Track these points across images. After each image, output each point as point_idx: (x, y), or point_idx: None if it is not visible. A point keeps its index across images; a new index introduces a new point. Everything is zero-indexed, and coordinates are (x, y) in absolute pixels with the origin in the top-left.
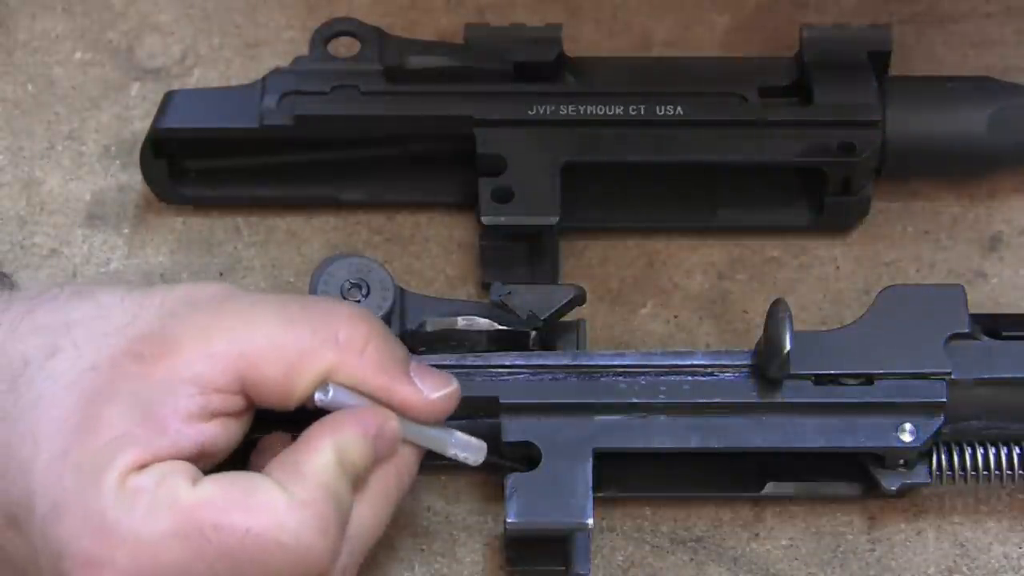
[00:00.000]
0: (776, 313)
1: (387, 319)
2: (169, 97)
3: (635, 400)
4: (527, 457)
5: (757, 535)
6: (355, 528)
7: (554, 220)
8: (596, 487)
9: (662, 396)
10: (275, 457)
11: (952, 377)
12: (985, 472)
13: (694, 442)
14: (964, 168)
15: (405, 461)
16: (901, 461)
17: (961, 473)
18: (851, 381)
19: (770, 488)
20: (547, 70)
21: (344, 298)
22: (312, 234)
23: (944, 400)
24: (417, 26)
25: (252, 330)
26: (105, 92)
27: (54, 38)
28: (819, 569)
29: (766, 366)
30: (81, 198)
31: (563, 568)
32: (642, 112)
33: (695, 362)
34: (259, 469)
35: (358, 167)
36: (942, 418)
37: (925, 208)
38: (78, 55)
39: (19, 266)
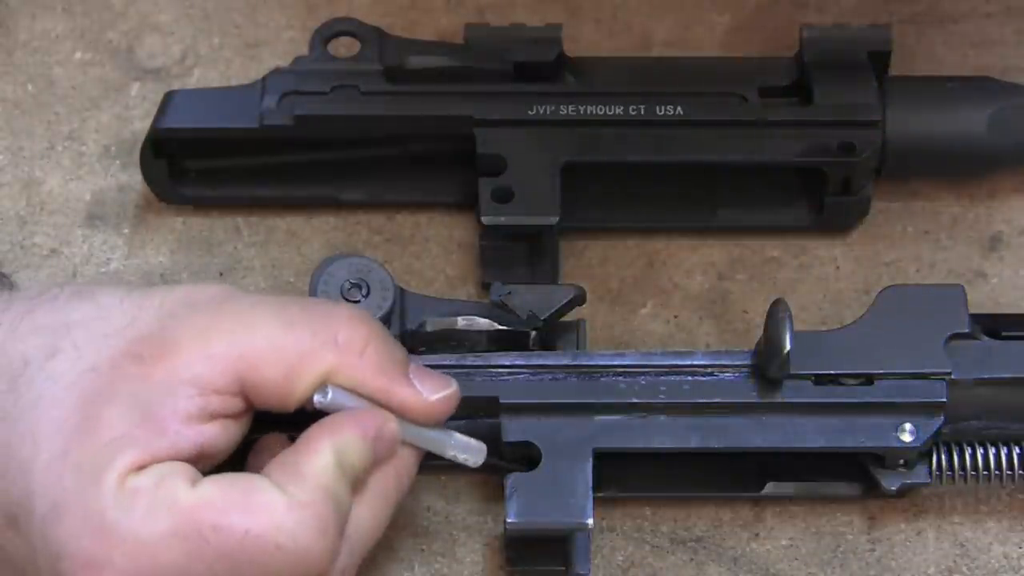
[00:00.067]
0: (776, 313)
1: (387, 319)
2: (169, 97)
3: (635, 400)
4: (527, 457)
5: (757, 535)
6: (354, 529)
7: (554, 220)
8: (596, 487)
9: (662, 396)
10: (274, 458)
11: (952, 377)
12: (985, 472)
13: (694, 442)
14: (964, 168)
15: (404, 463)
16: (901, 461)
17: (961, 473)
18: (851, 381)
19: (770, 488)
20: (547, 70)
21: (344, 298)
22: (312, 234)
23: (944, 400)
24: (417, 26)
25: (251, 332)
26: (105, 92)
27: (54, 38)
28: (819, 569)
29: (766, 366)
30: (81, 198)
31: (563, 568)
32: (642, 112)
33: (695, 362)
34: (256, 470)
35: (358, 167)
36: (942, 418)
37: (925, 208)
38: (78, 55)
39: (19, 266)
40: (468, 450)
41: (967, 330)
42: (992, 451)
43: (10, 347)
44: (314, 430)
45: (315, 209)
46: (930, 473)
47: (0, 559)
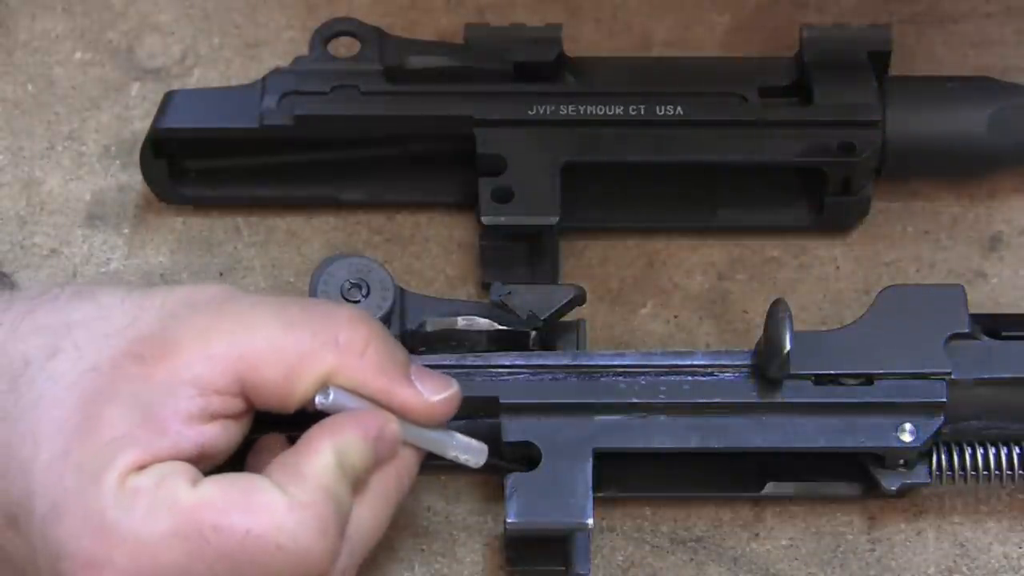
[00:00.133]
0: (776, 313)
1: (387, 319)
2: (169, 97)
3: (635, 400)
4: (527, 457)
5: (757, 535)
6: (355, 530)
7: (554, 220)
8: (596, 487)
9: (662, 396)
10: (275, 459)
11: (952, 377)
12: (985, 472)
13: (694, 442)
14: (964, 168)
15: (405, 463)
16: (901, 461)
17: (961, 473)
18: (851, 381)
19: (770, 488)
20: (547, 70)
21: (344, 298)
22: (312, 234)
23: (944, 400)
24: (417, 26)
25: (252, 332)
26: (105, 92)
27: (54, 38)
28: (819, 569)
29: (766, 366)
30: (81, 198)
31: (563, 568)
32: (642, 112)
33: (695, 362)
34: (256, 469)
35: (358, 167)
36: (942, 418)
37: (925, 208)
38: (78, 55)
39: (19, 266)
40: (469, 451)
41: (967, 330)
42: (992, 451)
43: (11, 347)
44: (315, 431)
45: (315, 209)
46: (930, 473)
47: (0, 559)
